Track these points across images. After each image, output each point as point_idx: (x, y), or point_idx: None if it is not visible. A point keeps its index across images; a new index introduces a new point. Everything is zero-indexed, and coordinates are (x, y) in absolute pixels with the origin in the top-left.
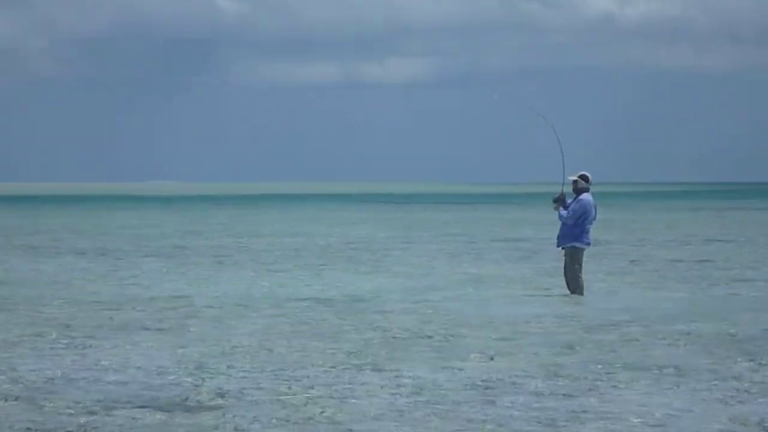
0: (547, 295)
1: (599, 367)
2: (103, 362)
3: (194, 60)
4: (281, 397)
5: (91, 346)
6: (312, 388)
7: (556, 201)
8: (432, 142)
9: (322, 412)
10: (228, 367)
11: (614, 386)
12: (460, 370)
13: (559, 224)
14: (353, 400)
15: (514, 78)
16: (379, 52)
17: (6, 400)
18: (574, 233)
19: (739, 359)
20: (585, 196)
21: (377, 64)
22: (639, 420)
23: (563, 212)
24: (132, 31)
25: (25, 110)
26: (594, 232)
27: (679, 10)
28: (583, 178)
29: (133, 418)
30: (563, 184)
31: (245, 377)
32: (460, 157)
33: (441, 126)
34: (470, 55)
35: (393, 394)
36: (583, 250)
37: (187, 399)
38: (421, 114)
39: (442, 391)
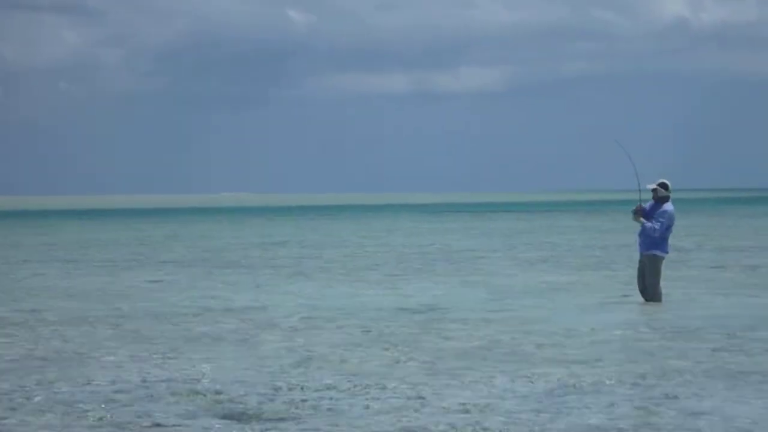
0: (624, 303)
1: (678, 375)
2: (180, 374)
3: (266, 71)
4: (357, 408)
5: (169, 357)
6: (388, 398)
7: (636, 213)
8: (505, 151)
9: (398, 422)
10: (303, 378)
11: (694, 394)
12: (537, 378)
13: (637, 231)
14: (428, 410)
15: (585, 84)
16: (451, 61)
17: (85, 412)
18: (655, 241)
19: None
20: (668, 205)
21: (449, 74)
22: (720, 429)
23: (648, 224)
24: (204, 42)
25: (100, 123)
26: (671, 238)
27: (754, 15)
28: (663, 186)
29: (208, 430)
30: (639, 191)
31: (321, 388)
32: (534, 164)
33: (514, 134)
34: (543, 63)
35: (468, 403)
36: (663, 258)
37: (262, 410)
38: (494, 123)
39: (518, 401)
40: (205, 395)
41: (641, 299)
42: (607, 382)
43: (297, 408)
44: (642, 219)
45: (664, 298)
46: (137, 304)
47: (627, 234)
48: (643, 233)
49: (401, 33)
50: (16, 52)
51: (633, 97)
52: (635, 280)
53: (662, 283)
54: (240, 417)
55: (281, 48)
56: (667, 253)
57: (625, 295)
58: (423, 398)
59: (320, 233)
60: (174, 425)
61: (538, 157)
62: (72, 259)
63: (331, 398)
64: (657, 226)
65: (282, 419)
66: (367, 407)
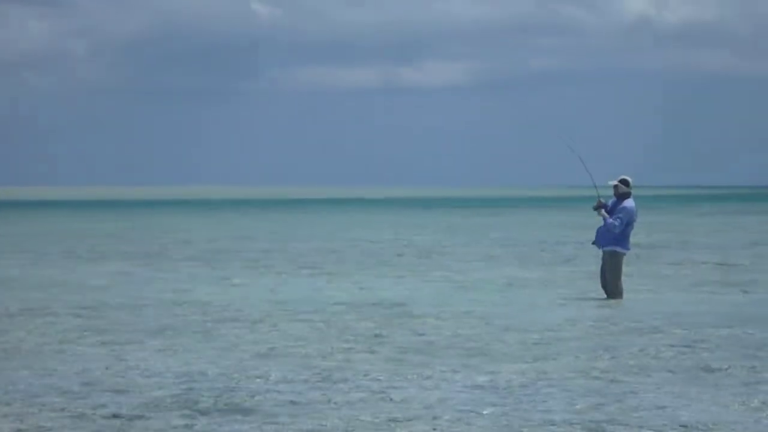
0: (585, 299)
1: (639, 371)
2: (139, 366)
3: (231, 64)
4: (318, 401)
5: (129, 350)
6: (350, 392)
7: (597, 208)
8: (471, 146)
9: (357, 417)
10: (265, 371)
11: (654, 390)
12: (499, 374)
13: (597, 226)
14: (389, 406)
15: (550, 80)
16: (417, 56)
17: (44, 404)
18: (615, 237)
19: None
20: (629, 201)
21: (416, 68)
22: (675, 425)
23: (610, 220)
24: (170, 35)
25: (65, 114)
26: (633, 235)
27: (716, 14)
28: (624, 182)
29: (168, 422)
30: (596, 187)
31: (282, 381)
32: (500, 159)
33: (480, 129)
34: (509, 58)
35: (428, 399)
36: (624, 254)
37: (224, 402)
38: (460, 117)
39: (479, 396)
40: (166, 387)
41: (603, 295)
42: (568, 377)
43: (258, 400)
44: (604, 213)
45: (625, 294)
46: (100, 296)
47: (591, 230)
48: (604, 229)
49: (368, 27)
50: None
51: (598, 92)
52: (598, 277)
53: (624, 280)
54: (201, 409)
55: (246, 41)
56: (628, 249)
57: (588, 291)
58: (384, 392)
59: (286, 227)
60: (134, 417)
61: (504, 152)
62: (32, 250)
63: (292, 391)
64: (617, 222)
65: (243, 411)
66: (329, 401)
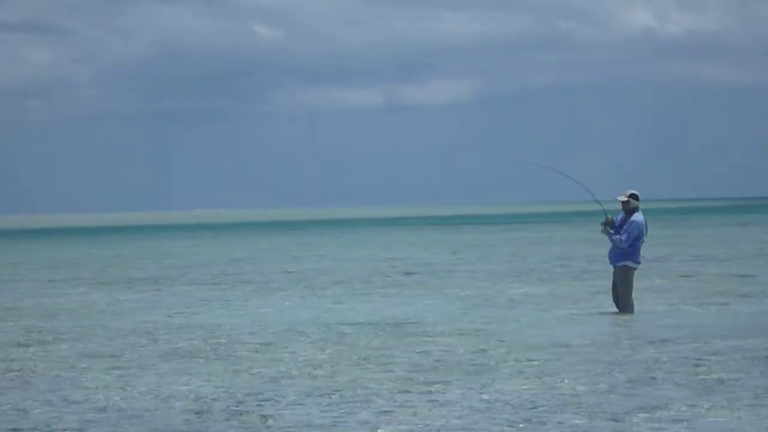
0: (596, 314)
1: (649, 384)
2: (151, 391)
3: (234, 87)
4: (328, 424)
5: (140, 375)
6: (359, 413)
7: (605, 225)
8: (475, 163)
9: None
10: (276, 393)
11: (666, 404)
12: (509, 391)
13: (607, 241)
14: (399, 425)
15: (553, 95)
16: (419, 74)
17: None
18: (626, 252)
19: None
20: (637, 216)
21: (417, 86)
22: None
23: (616, 236)
24: (172, 59)
25: (68, 142)
26: (643, 248)
27: (718, 26)
28: (633, 197)
29: None
30: (600, 203)
31: (292, 403)
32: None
33: (484, 145)
34: (510, 74)
35: (439, 418)
36: (635, 269)
37: (235, 426)
38: (463, 134)
39: (490, 414)
40: (178, 412)
41: (614, 310)
42: (580, 393)
43: (270, 424)
44: (610, 231)
45: (636, 308)
46: (108, 322)
47: (600, 245)
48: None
49: (369, 47)
50: None
51: (601, 106)
52: (608, 292)
53: (634, 294)
54: None
55: (249, 64)
56: (638, 263)
57: (599, 306)
58: (395, 412)
59: (292, 248)
60: None
61: (509, 168)
62: (40, 278)
63: (304, 413)
64: (624, 237)
65: None
66: (341, 422)
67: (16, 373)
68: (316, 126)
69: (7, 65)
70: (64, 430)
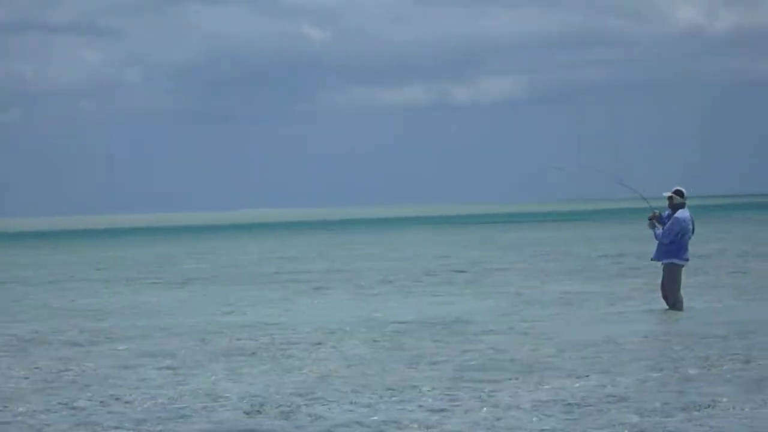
0: (646, 311)
1: (700, 381)
2: (203, 390)
3: (283, 87)
4: (378, 422)
5: (192, 375)
6: (410, 412)
7: (651, 219)
8: (525, 160)
9: None
10: (325, 392)
11: (716, 401)
12: (560, 389)
13: (654, 240)
14: (451, 423)
15: (602, 92)
16: (467, 72)
17: None
18: (671, 249)
19: None
20: (681, 212)
21: (466, 84)
22: None
23: (659, 231)
24: (221, 59)
25: (120, 142)
26: (692, 245)
27: None
28: (678, 193)
29: None
30: (646, 200)
31: (343, 403)
32: (554, 173)
33: (534, 143)
34: (560, 71)
35: (491, 416)
36: (682, 266)
37: (285, 426)
38: (513, 132)
39: (542, 412)
40: (230, 411)
41: (664, 307)
42: (632, 390)
43: (321, 423)
44: (656, 225)
45: (685, 305)
46: (159, 322)
47: (649, 242)
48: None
49: (417, 46)
50: (35, 73)
51: (650, 103)
52: (658, 289)
53: (683, 291)
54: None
55: (298, 63)
56: (686, 260)
57: (649, 303)
58: (446, 410)
59: (340, 247)
60: None
61: (559, 165)
62: (93, 278)
63: (355, 412)
64: (663, 232)
65: None
66: (392, 420)
67: (70, 372)
68: (364, 125)
69: (60, 66)
70: (116, 428)
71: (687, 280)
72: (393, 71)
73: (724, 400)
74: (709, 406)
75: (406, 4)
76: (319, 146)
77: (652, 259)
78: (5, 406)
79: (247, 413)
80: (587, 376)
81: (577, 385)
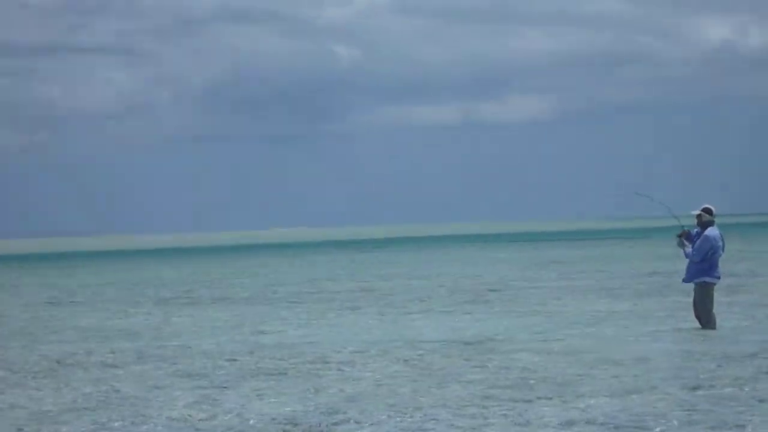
0: (679, 330)
1: (734, 402)
2: (234, 410)
3: (312, 106)
4: None
5: (223, 394)
6: (439, 430)
7: (680, 236)
8: (555, 179)
9: None
10: (357, 412)
11: (749, 420)
12: (592, 409)
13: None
14: None
15: (631, 110)
16: (496, 91)
17: None
18: (703, 268)
19: None
20: (711, 230)
21: (495, 103)
22: None
23: (688, 250)
24: (251, 80)
25: (149, 164)
26: (724, 264)
27: None
28: (707, 211)
29: None
30: (677, 219)
31: (374, 423)
32: (584, 192)
33: (564, 161)
34: (590, 90)
35: None
36: (714, 284)
37: None
38: (543, 151)
39: (573, 430)
40: (259, 431)
41: (697, 326)
42: (664, 410)
43: None
44: (685, 243)
45: (718, 323)
46: (191, 342)
47: (680, 260)
48: (690, 262)
49: (447, 65)
50: (64, 95)
51: (680, 121)
52: (690, 307)
53: (716, 309)
54: None
55: (327, 83)
56: (717, 278)
57: (681, 322)
58: (476, 430)
59: (371, 266)
60: None
61: (588, 184)
62: (125, 298)
63: (384, 431)
64: (693, 251)
65: None
66: None
67: (101, 393)
68: (394, 144)
69: (89, 88)
70: None
71: (719, 299)
72: (422, 90)
73: (757, 419)
74: (742, 425)
75: (436, 24)
76: (350, 165)
77: (683, 281)
78: (38, 428)
79: None
80: (619, 395)
81: (609, 404)
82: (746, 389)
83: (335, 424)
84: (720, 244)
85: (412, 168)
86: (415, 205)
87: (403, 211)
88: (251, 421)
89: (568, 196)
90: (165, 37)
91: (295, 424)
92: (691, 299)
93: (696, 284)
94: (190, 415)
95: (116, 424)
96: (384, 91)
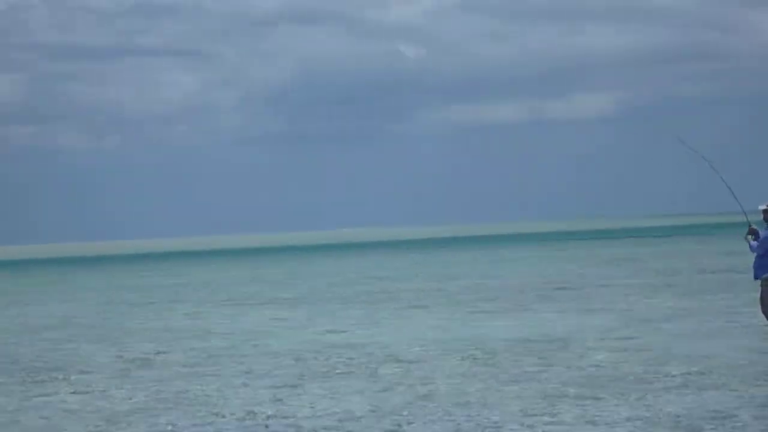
0: (747, 327)
1: None
2: (302, 409)
3: (378, 106)
4: None
5: (290, 394)
6: (508, 428)
7: (749, 234)
8: (623, 175)
9: None
10: (425, 410)
11: None
12: (664, 405)
13: (754, 255)
14: None
15: (699, 106)
16: (563, 88)
17: None
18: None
19: None
20: None
21: (562, 100)
22: None
23: (754, 243)
24: (316, 81)
25: (217, 165)
26: None
27: None
28: None
29: None
30: (745, 214)
31: (441, 421)
32: (653, 188)
33: (630, 158)
34: (656, 86)
35: None
36: None
37: None
38: (610, 148)
39: (644, 428)
40: (330, 430)
41: (765, 322)
42: (734, 406)
43: None
44: (751, 240)
45: None
46: (261, 342)
47: (748, 257)
48: (757, 257)
49: (512, 63)
50: (133, 98)
51: (748, 117)
52: (758, 304)
53: None
54: None
55: (393, 82)
56: None
57: (749, 319)
58: (545, 428)
59: (438, 266)
60: None
61: (657, 180)
62: (194, 299)
63: (453, 430)
64: (759, 242)
65: None
66: None
67: (173, 392)
68: (461, 143)
69: (155, 90)
70: None
71: None
72: (489, 89)
73: None
74: None
75: (502, 22)
76: (416, 165)
77: (754, 278)
78: (110, 428)
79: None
80: (690, 392)
81: (679, 401)
82: None
83: (404, 421)
84: None
85: (479, 167)
86: (481, 204)
87: (469, 210)
88: (322, 420)
89: (637, 192)
90: (231, 39)
91: (365, 423)
92: (758, 296)
93: (763, 280)
94: (260, 414)
95: (187, 423)
96: (450, 90)
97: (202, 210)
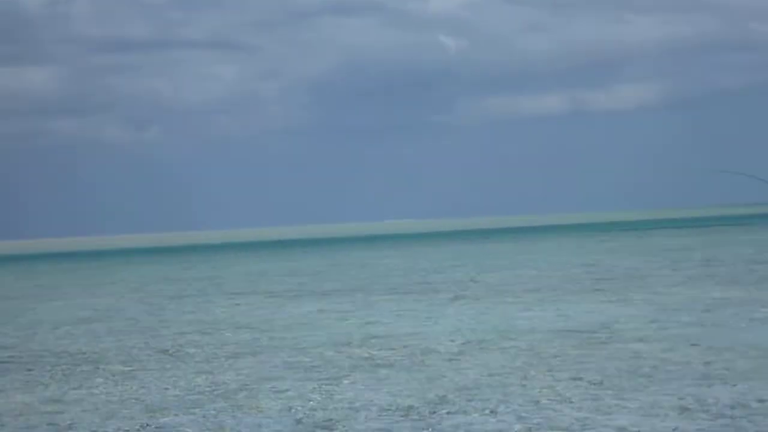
0: None
1: None
2: (345, 401)
3: (420, 97)
4: (521, 431)
5: (334, 386)
6: (552, 421)
7: None
8: (666, 166)
9: None
10: (467, 402)
11: None
12: (707, 397)
13: None
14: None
15: (743, 97)
16: (604, 79)
17: None
18: None
19: None
20: None
21: (603, 91)
22: None
23: None
24: (357, 72)
25: (258, 157)
26: None
27: None
28: None
29: None
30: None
31: (484, 414)
32: (696, 178)
33: (674, 149)
34: (700, 77)
35: (635, 425)
36: None
37: None
38: (653, 138)
39: (689, 421)
40: (372, 421)
41: None
42: None
43: None
44: None
45: None
46: (301, 333)
47: None
48: None
49: (553, 53)
50: (173, 90)
51: None
52: None
53: None
54: None
55: (434, 74)
56: None
57: None
58: (588, 420)
59: (479, 257)
60: None
61: (700, 170)
62: (237, 290)
63: (498, 421)
64: None
65: None
66: (532, 429)
67: (212, 384)
68: (501, 134)
69: (196, 82)
70: None
71: None
72: (530, 80)
73: None
74: None
75: (542, 13)
76: (458, 156)
77: None
78: (148, 421)
79: (389, 423)
80: (733, 383)
81: (723, 392)
82: None
83: (447, 414)
84: None
85: (520, 158)
86: (521, 195)
87: (512, 202)
88: (363, 412)
89: (681, 182)
90: (271, 31)
91: (407, 415)
92: None
93: None
94: (301, 407)
95: (227, 415)
96: (491, 80)
97: (245, 202)
